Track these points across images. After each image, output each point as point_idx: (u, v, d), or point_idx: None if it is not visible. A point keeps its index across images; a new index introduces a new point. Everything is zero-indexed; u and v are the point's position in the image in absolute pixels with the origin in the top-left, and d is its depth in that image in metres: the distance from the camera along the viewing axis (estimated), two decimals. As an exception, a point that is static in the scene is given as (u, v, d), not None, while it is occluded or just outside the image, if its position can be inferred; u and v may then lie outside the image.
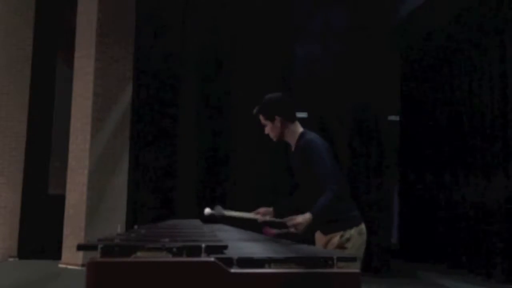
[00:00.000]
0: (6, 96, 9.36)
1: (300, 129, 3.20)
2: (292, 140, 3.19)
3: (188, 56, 9.57)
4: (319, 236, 3.21)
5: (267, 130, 3.19)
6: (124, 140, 8.67)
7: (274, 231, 2.98)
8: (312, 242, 3.16)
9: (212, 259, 1.49)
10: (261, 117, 3.20)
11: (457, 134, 9.01)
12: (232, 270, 1.49)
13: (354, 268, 1.65)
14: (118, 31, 8.67)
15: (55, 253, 8.37)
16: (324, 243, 3.12)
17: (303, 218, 2.84)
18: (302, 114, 9.77)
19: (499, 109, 7.85)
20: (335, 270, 1.55)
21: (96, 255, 1.51)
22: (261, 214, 3.20)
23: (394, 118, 10.65)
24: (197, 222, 3.74)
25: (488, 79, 8.15)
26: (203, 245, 1.55)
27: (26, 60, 9.47)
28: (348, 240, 3.03)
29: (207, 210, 3.25)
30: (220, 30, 9.72)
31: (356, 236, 3.05)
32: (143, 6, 9.03)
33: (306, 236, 2.98)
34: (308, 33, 10.02)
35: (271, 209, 3.23)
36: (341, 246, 3.01)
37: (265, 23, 9.53)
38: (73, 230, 8.27)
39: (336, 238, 3.04)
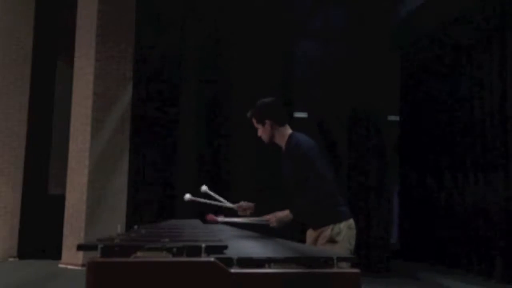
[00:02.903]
0: (6, 96, 9.36)
1: (289, 131, 3.34)
2: (282, 142, 3.34)
3: (188, 56, 9.57)
4: (309, 232, 3.31)
5: (259, 133, 3.36)
6: (124, 140, 8.67)
7: (219, 218, 3.19)
8: (302, 240, 3.25)
9: (212, 259, 1.49)
10: (254, 121, 3.38)
11: (457, 134, 9.01)
12: (232, 270, 1.48)
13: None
14: (118, 31, 8.67)
15: (55, 253, 8.36)
16: (314, 238, 3.23)
17: (280, 215, 3.12)
18: (302, 114, 9.78)
19: (499, 109, 7.85)
20: (335, 270, 1.55)
21: (96, 255, 1.51)
22: (243, 208, 3.35)
23: (394, 118, 10.65)
24: (197, 222, 3.74)
25: (488, 79, 8.14)
26: (203, 245, 1.55)
27: (26, 60, 9.47)
28: (338, 233, 3.14)
29: (188, 196, 3.34)
30: (220, 30, 9.72)
31: (345, 230, 3.16)
32: (143, 6, 9.03)
33: (282, 230, 3.15)
34: (308, 33, 10.02)
35: (252, 204, 3.38)
36: (332, 239, 3.13)
37: (265, 23, 9.53)
38: (73, 230, 8.27)
39: (327, 232, 3.15)
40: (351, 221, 3.21)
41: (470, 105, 8.63)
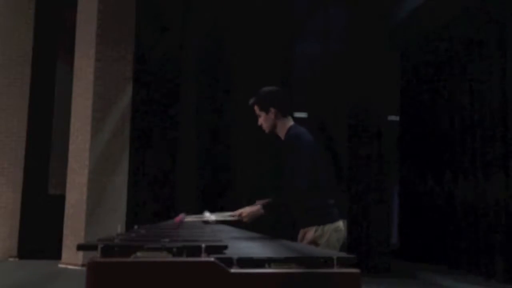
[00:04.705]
0: (6, 96, 9.36)
1: (291, 123, 3.24)
2: (282, 133, 3.24)
3: (188, 56, 9.57)
4: (301, 231, 3.25)
5: (261, 121, 3.25)
6: (124, 140, 8.67)
7: (181, 216, 3.07)
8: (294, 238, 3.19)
9: (212, 259, 1.49)
10: (256, 108, 3.26)
11: (457, 134, 9.01)
12: (232, 270, 1.48)
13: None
14: (118, 31, 8.67)
15: (55, 253, 8.36)
16: (301, 236, 3.17)
17: (251, 210, 3.05)
18: (302, 114, 9.78)
19: (499, 109, 7.85)
20: (335, 270, 1.55)
21: (96, 255, 1.51)
22: (246, 214, 3.08)
23: (394, 118, 10.65)
24: (197, 222, 3.73)
25: (488, 79, 8.14)
26: (203, 245, 1.55)
27: (26, 60, 9.47)
28: (321, 236, 3.04)
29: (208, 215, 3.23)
30: (220, 30, 9.72)
31: (330, 233, 3.05)
32: (143, 6, 9.03)
33: (252, 225, 3.08)
34: (308, 33, 10.01)
35: (257, 206, 3.10)
36: (314, 242, 3.04)
37: (265, 23, 9.53)
38: (73, 230, 8.27)
39: (310, 233, 3.08)
40: (338, 224, 3.10)
41: (470, 105, 8.63)
